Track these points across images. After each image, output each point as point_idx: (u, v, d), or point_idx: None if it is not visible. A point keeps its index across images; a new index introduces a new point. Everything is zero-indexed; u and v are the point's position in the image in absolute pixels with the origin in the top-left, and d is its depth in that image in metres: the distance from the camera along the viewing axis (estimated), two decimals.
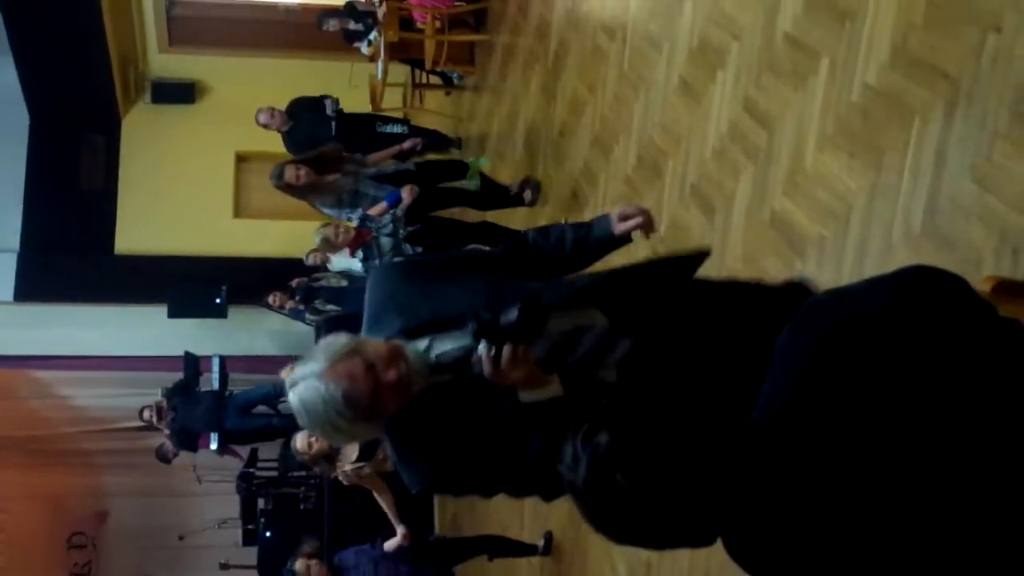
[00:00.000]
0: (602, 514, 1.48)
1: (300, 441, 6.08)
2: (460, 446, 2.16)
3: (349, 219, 6.79)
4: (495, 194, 7.26)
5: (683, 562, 4.30)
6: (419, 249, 6.80)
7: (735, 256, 4.14)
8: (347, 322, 8.70)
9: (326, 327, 9.39)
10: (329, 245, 6.88)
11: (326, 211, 6.81)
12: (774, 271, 3.80)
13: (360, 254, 6.63)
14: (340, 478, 6.32)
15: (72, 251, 10.52)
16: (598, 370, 2.18)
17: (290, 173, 6.52)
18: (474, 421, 2.15)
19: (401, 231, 6.55)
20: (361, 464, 6.18)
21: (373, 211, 6.53)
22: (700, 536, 1.52)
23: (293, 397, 2.07)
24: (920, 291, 1.56)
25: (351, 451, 6.14)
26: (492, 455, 2.17)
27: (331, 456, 6.14)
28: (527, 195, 7.12)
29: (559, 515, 6.21)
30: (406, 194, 6.48)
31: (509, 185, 7.34)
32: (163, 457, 9.86)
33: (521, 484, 2.29)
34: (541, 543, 6.44)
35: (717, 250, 4.30)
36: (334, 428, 2.06)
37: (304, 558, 5.88)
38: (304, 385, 2.04)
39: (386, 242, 6.60)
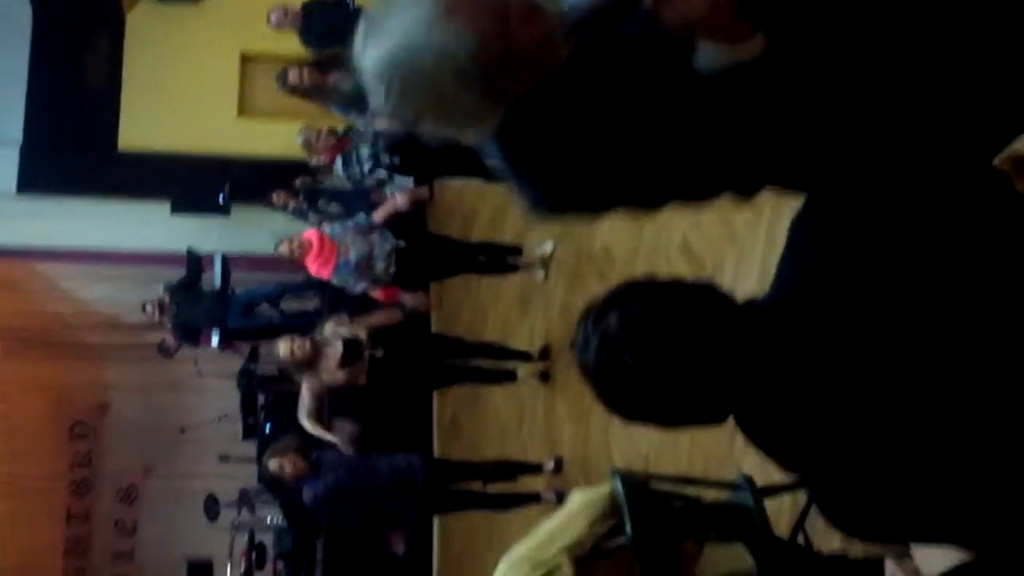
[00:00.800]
0: (612, 394, 1.54)
1: (283, 347, 5.91)
2: (613, 134, 1.47)
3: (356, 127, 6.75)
4: None
5: (682, 456, 4.45)
6: (396, 159, 6.80)
7: None
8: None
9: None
10: (310, 147, 6.90)
11: (336, 112, 6.78)
12: None
13: (340, 161, 6.65)
14: (326, 379, 6.12)
15: (75, 145, 10.47)
16: (815, 26, 1.42)
17: (293, 75, 6.48)
18: (632, 94, 1.46)
19: (381, 142, 6.58)
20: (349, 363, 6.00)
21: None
22: (709, 414, 1.57)
23: (376, 52, 1.40)
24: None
25: (333, 353, 5.99)
26: (665, 141, 1.47)
27: (313, 362, 5.96)
28: None
29: (561, 425, 6.34)
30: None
31: None
32: (165, 352, 9.99)
33: (706, 177, 1.54)
34: (551, 464, 6.34)
35: None
36: (440, 100, 1.40)
37: (278, 455, 5.82)
38: (401, 31, 1.37)
39: (364, 152, 6.61)
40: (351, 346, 6.01)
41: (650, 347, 1.47)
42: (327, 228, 6.61)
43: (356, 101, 6.64)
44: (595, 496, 3.11)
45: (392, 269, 6.47)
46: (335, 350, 6.00)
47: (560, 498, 6.03)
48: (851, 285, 1.50)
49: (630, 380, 1.49)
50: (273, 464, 5.84)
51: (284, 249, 6.53)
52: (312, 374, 6.11)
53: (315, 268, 6.53)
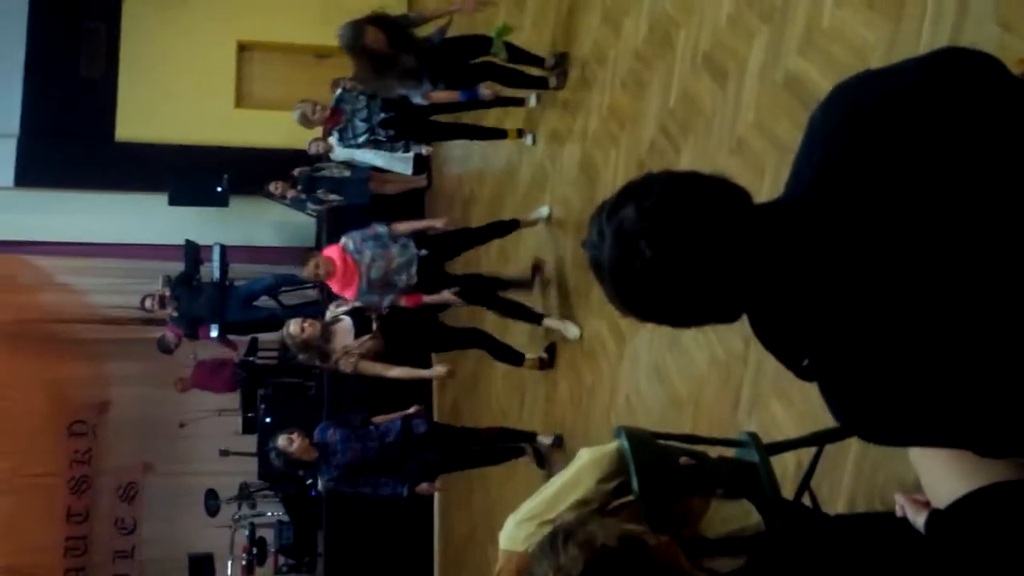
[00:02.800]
0: (627, 289, 1.48)
1: (294, 326, 5.92)
2: None
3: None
4: (522, 75, 6.68)
5: (685, 430, 4.39)
6: (391, 133, 6.68)
7: (746, 123, 4.14)
8: (349, 212, 8.67)
9: (328, 217, 9.42)
10: (306, 120, 6.79)
11: (382, 85, 6.37)
12: (787, 137, 3.80)
13: (335, 135, 6.57)
14: (341, 366, 6.03)
15: (73, 137, 10.44)
16: None
17: (371, 35, 5.84)
18: None
19: (375, 116, 6.52)
20: (362, 340, 5.96)
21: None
22: (724, 309, 1.52)
23: None
24: (953, 67, 1.56)
25: (344, 333, 5.99)
26: None
27: (327, 338, 5.95)
28: (552, 81, 6.66)
29: (562, 400, 6.28)
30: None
31: (544, 57, 6.72)
32: (165, 348, 9.95)
33: None
34: (549, 440, 6.25)
35: (728, 118, 4.31)
36: None
37: (286, 434, 5.89)
38: None
39: (360, 125, 6.55)
40: (357, 314, 6.01)
41: (668, 234, 1.42)
42: (348, 243, 6.30)
43: (412, 77, 6.22)
44: (602, 453, 3.05)
45: (414, 280, 6.21)
46: (344, 325, 5.99)
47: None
48: (869, 180, 1.46)
49: (647, 272, 1.43)
50: (282, 440, 5.86)
51: (309, 271, 6.29)
52: (324, 358, 6.02)
53: (338, 288, 6.30)
